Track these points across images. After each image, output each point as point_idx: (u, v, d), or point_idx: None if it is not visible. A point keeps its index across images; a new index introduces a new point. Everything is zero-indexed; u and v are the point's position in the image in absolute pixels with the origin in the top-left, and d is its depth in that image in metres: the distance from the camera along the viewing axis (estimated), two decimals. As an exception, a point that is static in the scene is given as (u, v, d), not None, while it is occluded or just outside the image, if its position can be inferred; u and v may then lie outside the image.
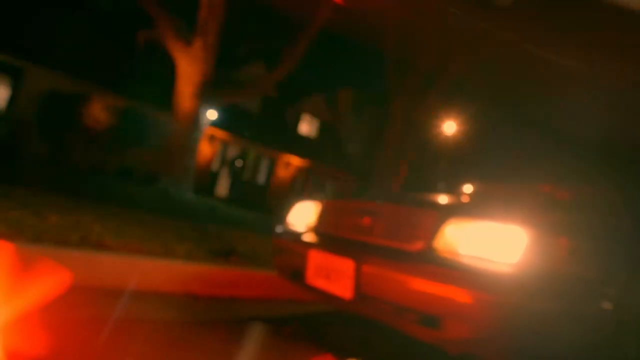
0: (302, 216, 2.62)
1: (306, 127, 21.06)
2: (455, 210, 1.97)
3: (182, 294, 2.56)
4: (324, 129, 21.57)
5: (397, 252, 1.92)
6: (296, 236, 2.50)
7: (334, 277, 2.07)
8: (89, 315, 1.90)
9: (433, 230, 1.86)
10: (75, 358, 1.50)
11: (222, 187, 17.53)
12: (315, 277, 2.19)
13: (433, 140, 14.64)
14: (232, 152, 18.07)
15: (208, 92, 6.22)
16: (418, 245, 1.88)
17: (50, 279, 1.77)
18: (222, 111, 14.78)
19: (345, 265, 2.01)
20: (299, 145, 19.68)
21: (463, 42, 10.78)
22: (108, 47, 15.06)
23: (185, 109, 6.38)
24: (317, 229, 2.47)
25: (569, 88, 10.53)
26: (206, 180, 16.36)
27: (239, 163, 18.02)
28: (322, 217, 2.47)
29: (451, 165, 17.39)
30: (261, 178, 18.85)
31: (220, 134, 16.59)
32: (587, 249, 1.86)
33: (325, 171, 19.84)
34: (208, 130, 14.88)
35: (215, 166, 17.38)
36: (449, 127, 14.17)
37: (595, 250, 1.90)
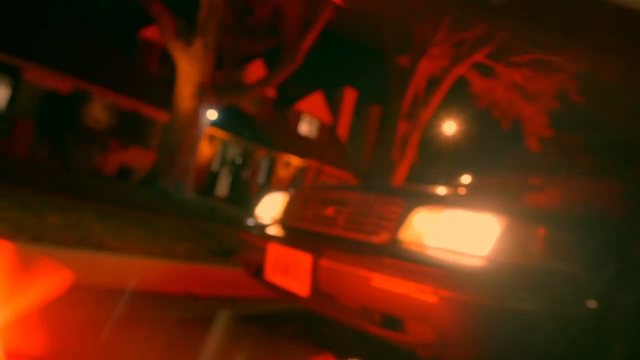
0: (269, 209, 2.45)
1: (306, 127, 21.06)
2: (423, 199, 1.80)
3: (182, 293, 2.56)
4: (324, 128, 21.55)
5: (359, 245, 1.75)
6: (259, 229, 2.34)
7: (291, 272, 1.91)
8: (89, 315, 1.90)
9: (399, 221, 1.69)
10: (76, 358, 1.50)
11: (222, 187, 17.53)
12: (273, 273, 2.04)
13: (433, 140, 14.65)
14: (232, 152, 18.07)
15: (208, 92, 6.22)
16: (382, 237, 1.71)
17: (51, 278, 1.77)
18: (222, 111, 14.77)
19: (302, 260, 1.85)
20: (299, 145, 19.68)
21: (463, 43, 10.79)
22: (108, 46, 15.06)
23: (185, 109, 6.38)
24: (281, 222, 2.30)
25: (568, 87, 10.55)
26: (206, 180, 16.37)
27: (238, 161, 18.02)
28: (287, 209, 2.31)
29: (451, 164, 17.39)
30: (261, 178, 18.86)
31: (220, 134, 16.59)
32: (570, 241, 1.65)
33: (326, 171, 19.84)
34: (208, 130, 14.87)
35: (215, 166, 17.38)
36: (449, 127, 14.17)
37: (579, 244, 1.68)
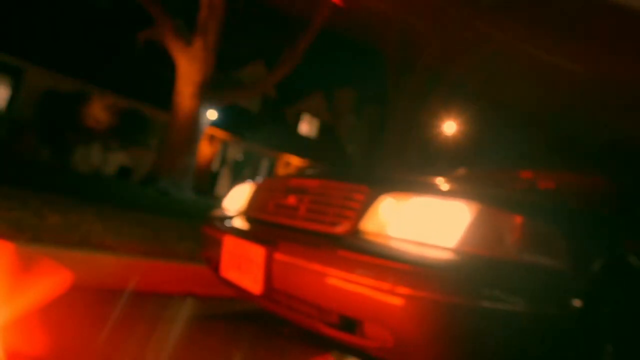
0: (236, 200, 2.30)
1: (306, 127, 21.06)
2: (389, 185, 1.62)
3: (182, 293, 2.56)
4: (324, 128, 21.56)
5: (318, 237, 1.58)
6: (220, 221, 2.19)
7: (244, 267, 1.75)
8: (89, 315, 1.90)
9: (362, 209, 1.54)
10: (76, 358, 1.50)
11: (222, 187, 17.54)
12: (228, 268, 1.88)
13: (433, 140, 14.65)
14: (232, 152, 18.08)
15: (208, 92, 6.22)
16: (343, 228, 1.55)
17: (51, 278, 1.77)
18: (222, 111, 14.77)
19: (255, 253, 1.69)
20: (299, 145, 19.69)
21: (463, 42, 10.79)
22: (108, 46, 15.06)
23: (185, 108, 6.39)
24: (244, 213, 2.15)
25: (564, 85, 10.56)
26: (206, 180, 16.37)
27: (238, 158, 18.04)
28: (251, 200, 2.15)
29: (452, 164, 17.39)
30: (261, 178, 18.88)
31: (220, 134, 16.59)
32: (553, 233, 1.47)
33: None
34: (208, 130, 14.88)
35: (215, 166, 17.39)
36: (449, 127, 14.17)
37: (564, 236, 1.49)
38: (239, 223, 2.07)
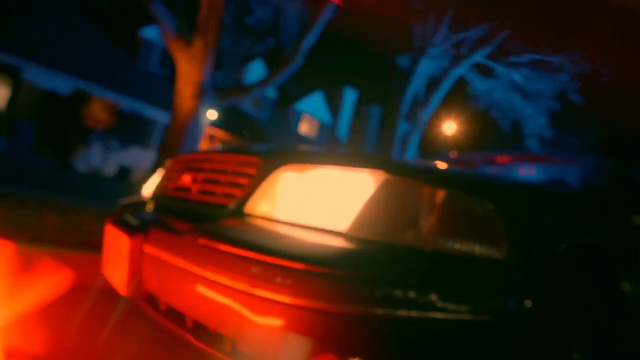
0: (151, 184, 1.92)
1: (306, 127, 21.05)
2: (287, 156, 1.29)
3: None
4: (324, 128, 21.55)
5: (200, 221, 1.23)
6: (121, 209, 1.77)
7: (116, 261, 1.41)
8: (89, 315, 1.89)
9: (251, 186, 1.24)
10: (76, 358, 1.50)
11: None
12: (106, 263, 1.56)
13: (434, 140, 14.65)
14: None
15: (208, 92, 6.22)
16: (226, 210, 1.25)
17: (51, 278, 1.77)
18: (222, 111, 14.77)
19: (122, 244, 1.34)
20: (299, 144, 19.69)
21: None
22: (108, 46, 15.05)
23: (185, 109, 6.38)
24: (151, 196, 1.79)
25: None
26: (206, 180, 16.36)
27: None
28: (160, 183, 1.79)
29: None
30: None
31: (220, 134, 16.59)
32: (496, 214, 1.10)
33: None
34: (208, 130, 14.88)
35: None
36: (449, 127, 14.16)
37: (504, 217, 1.11)
38: (130, 208, 1.70)
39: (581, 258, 1.31)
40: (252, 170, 1.29)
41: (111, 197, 3.01)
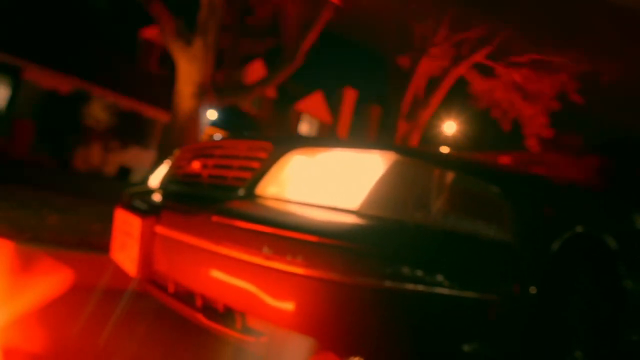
0: (158, 174, 1.97)
1: (306, 127, 21.06)
2: (297, 142, 1.33)
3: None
4: (324, 128, 21.55)
5: (211, 204, 1.27)
6: (129, 197, 1.81)
7: (126, 244, 1.46)
8: (89, 315, 1.89)
9: (262, 169, 1.28)
10: (76, 358, 1.50)
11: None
12: (115, 248, 1.61)
13: (434, 140, 14.65)
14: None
15: (208, 92, 6.22)
16: (237, 193, 1.28)
17: (50, 279, 1.77)
18: (222, 111, 14.78)
19: (133, 226, 1.39)
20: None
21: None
22: (108, 46, 15.05)
23: (185, 108, 6.38)
24: (159, 186, 1.83)
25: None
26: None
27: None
28: (169, 170, 1.84)
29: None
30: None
31: (220, 133, 16.59)
32: (499, 198, 1.11)
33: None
34: (208, 130, 14.88)
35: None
36: (449, 127, 14.17)
37: (516, 203, 1.13)
38: (139, 195, 1.73)
39: (584, 249, 1.31)
40: (263, 155, 1.32)
41: (111, 196, 3.01)
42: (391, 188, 1.07)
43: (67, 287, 1.75)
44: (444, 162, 1.14)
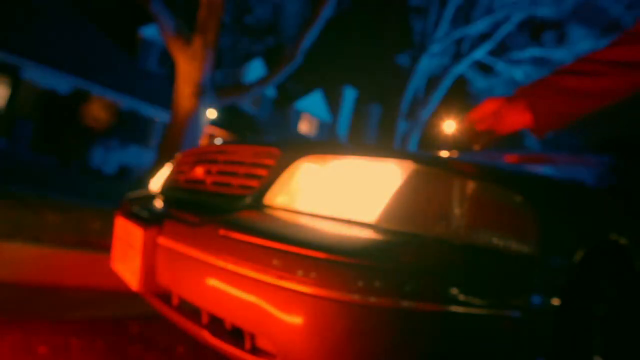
0: (160, 177, 1.88)
1: (306, 126, 21.05)
2: (308, 148, 1.25)
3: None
4: (323, 128, 21.55)
5: (216, 213, 1.20)
6: (129, 203, 1.70)
7: (128, 255, 1.38)
8: (89, 315, 1.89)
9: (270, 177, 1.21)
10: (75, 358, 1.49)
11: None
12: (116, 257, 1.53)
13: (433, 138, 14.64)
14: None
15: (208, 92, 6.21)
16: (244, 202, 1.22)
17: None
18: (222, 110, 14.77)
19: (135, 237, 1.32)
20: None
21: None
22: (108, 46, 15.04)
23: (185, 108, 6.37)
24: (161, 190, 1.75)
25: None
26: (206, 179, 16.37)
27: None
28: (170, 175, 1.75)
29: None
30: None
31: (220, 133, 16.59)
32: (519, 206, 1.06)
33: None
34: (208, 130, 14.88)
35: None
36: (449, 125, 14.16)
37: (533, 210, 1.06)
38: (140, 201, 1.64)
39: (607, 257, 1.26)
40: (270, 161, 1.24)
41: (111, 196, 3.01)
42: (409, 200, 1.01)
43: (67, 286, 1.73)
44: (464, 170, 1.06)
